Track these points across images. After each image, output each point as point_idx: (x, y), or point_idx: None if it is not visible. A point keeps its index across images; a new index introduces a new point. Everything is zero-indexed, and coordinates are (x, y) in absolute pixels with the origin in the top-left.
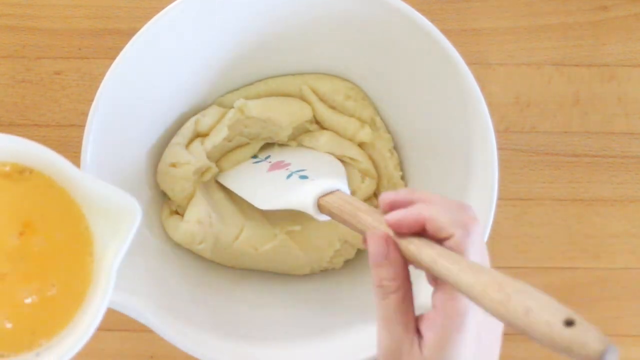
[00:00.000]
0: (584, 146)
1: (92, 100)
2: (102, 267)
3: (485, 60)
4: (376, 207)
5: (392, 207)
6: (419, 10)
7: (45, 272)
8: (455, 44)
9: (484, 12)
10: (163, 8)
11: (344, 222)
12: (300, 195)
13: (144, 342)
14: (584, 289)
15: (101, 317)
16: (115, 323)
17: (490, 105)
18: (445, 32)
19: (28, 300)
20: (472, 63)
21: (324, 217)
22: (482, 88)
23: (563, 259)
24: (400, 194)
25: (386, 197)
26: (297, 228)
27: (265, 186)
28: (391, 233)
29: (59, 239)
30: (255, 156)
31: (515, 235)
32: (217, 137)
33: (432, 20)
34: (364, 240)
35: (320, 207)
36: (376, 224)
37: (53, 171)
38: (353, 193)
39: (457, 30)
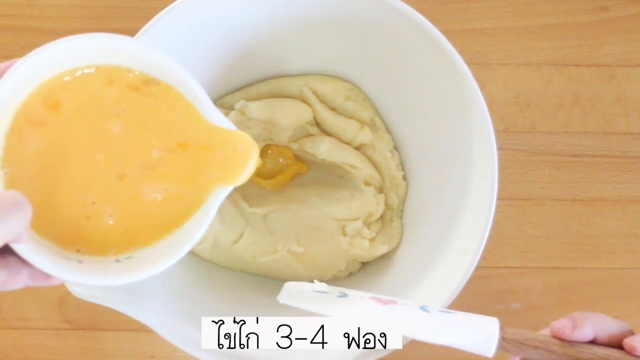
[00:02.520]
0: (584, 146)
1: None
2: (208, 198)
3: (485, 60)
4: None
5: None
6: (419, 10)
7: (165, 182)
8: (455, 44)
9: (484, 12)
10: (163, 8)
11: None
12: (475, 332)
13: (144, 342)
14: (584, 289)
15: (190, 248)
16: (115, 323)
17: (490, 105)
18: (445, 32)
19: (142, 200)
20: (472, 63)
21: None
22: (482, 88)
23: (563, 259)
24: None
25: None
26: (300, 250)
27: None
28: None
29: (190, 157)
30: (318, 291)
31: (515, 235)
32: None
33: (432, 20)
34: None
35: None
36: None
37: (182, 88)
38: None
39: (457, 30)
